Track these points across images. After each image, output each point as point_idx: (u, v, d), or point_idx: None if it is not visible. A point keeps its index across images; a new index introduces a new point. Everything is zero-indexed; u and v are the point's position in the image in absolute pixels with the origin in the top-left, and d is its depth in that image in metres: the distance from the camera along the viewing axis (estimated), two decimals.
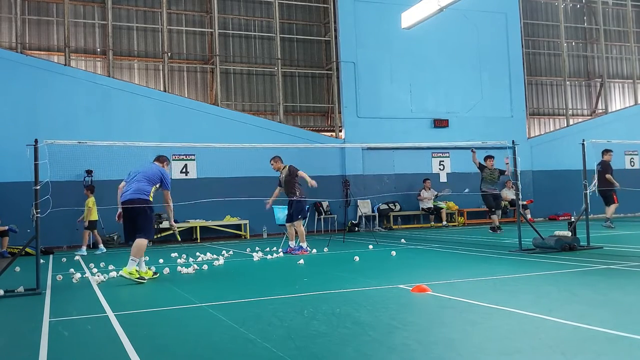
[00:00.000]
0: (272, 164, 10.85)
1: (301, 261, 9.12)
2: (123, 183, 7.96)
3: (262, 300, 5.84)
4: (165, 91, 15.75)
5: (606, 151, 14.01)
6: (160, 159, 8.26)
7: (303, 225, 10.79)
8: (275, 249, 11.17)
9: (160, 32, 16.36)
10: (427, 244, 11.78)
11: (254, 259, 9.79)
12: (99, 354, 4.10)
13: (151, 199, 7.75)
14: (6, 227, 11.93)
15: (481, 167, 13.87)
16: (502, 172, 13.87)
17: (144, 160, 8.62)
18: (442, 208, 17.35)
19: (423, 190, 17.20)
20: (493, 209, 13.77)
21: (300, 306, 5.36)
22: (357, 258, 9.19)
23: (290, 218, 10.71)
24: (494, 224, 13.69)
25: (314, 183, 10.35)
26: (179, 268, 8.62)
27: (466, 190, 16.38)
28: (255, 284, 7.29)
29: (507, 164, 12.47)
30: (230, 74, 17.35)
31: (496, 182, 14.00)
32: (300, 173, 10.51)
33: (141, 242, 7.46)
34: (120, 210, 7.72)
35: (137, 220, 7.57)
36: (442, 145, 17.15)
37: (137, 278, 7.32)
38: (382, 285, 6.49)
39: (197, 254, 10.36)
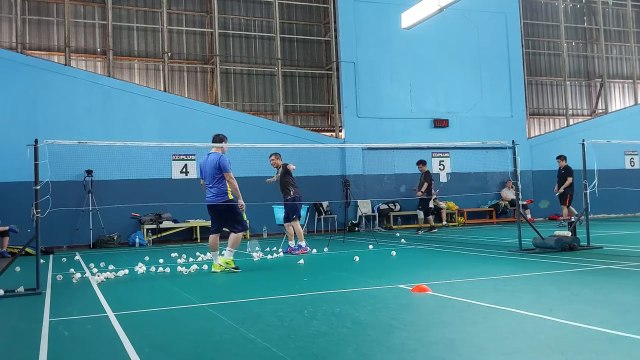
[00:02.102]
0: (271, 159, 10.86)
1: (301, 261, 9.12)
2: (202, 180, 8.42)
3: (262, 300, 5.84)
4: (165, 91, 15.75)
5: (562, 157, 15.25)
6: (216, 139, 8.46)
7: (302, 226, 10.79)
8: (275, 248, 11.16)
9: (160, 32, 16.36)
10: (427, 244, 11.78)
11: (254, 259, 9.79)
12: (99, 354, 4.10)
13: (231, 197, 8.23)
14: (7, 227, 11.93)
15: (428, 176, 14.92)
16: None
17: (204, 155, 8.59)
18: (442, 208, 17.34)
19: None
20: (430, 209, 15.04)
21: (300, 306, 5.36)
22: (357, 258, 9.20)
23: (287, 218, 10.72)
24: (431, 224, 15.00)
25: (292, 167, 10.63)
26: (179, 268, 8.62)
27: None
28: (255, 283, 7.29)
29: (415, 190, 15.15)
30: (230, 74, 17.35)
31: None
32: (289, 166, 10.64)
33: (237, 236, 8.19)
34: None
35: (225, 219, 8.25)
36: (442, 145, 17.15)
37: (233, 268, 8.02)
38: (382, 285, 6.49)
39: (197, 254, 10.36)
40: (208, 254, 10.27)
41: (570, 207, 15.15)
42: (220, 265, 8.11)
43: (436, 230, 15.19)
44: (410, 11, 12.13)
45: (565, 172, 15.09)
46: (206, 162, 8.33)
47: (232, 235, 8.18)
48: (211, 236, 8.42)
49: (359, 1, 17.45)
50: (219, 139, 8.46)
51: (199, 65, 17.08)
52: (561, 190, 15.01)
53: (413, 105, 17.88)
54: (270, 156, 10.89)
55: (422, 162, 15.10)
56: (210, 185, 8.22)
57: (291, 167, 10.65)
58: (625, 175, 18.81)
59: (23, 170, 9.98)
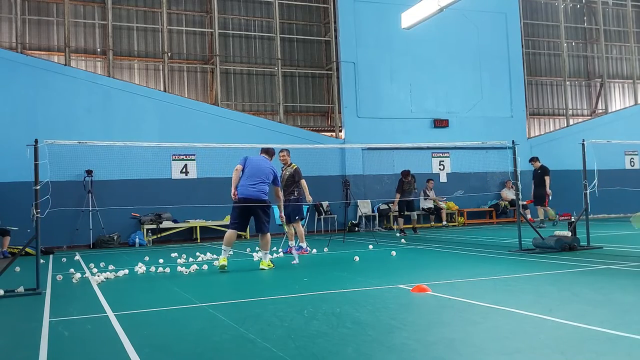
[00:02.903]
0: (281, 155, 10.63)
1: (295, 261, 9.07)
2: (240, 167, 8.53)
3: (262, 300, 5.84)
4: (165, 91, 15.75)
5: (535, 159, 15.56)
6: (270, 152, 8.97)
7: (303, 226, 10.77)
8: (275, 248, 11.16)
9: (160, 32, 16.36)
10: (427, 244, 11.78)
11: (254, 259, 9.79)
12: (99, 354, 4.11)
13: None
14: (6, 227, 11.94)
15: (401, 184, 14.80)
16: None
17: (252, 154, 8.94)
18: (442, 208, 17.35)
19: (426, 189, 17.19)
20: (402, 213, 14.88)
21: (300, 306, 5.36)
22: (357, 258, 9.20)
23: (288, 219, 10.66)
24: (401, 227, 14.78)
25: (310, 198, 10.55)
26: (179, 268, 8.62)
27: (460, 192, 16.59)
28: (255, 284, 7.29)
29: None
30: (230, 74, 17.35)
31: (413, 190, 15.07)
32: (303, 182, 10.44)
33: (269, 237, 8.66)
34: (235, 191, 8.43)
35: (261, 216, 8.51)
36: (442, 145, 17.15)
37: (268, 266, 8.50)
38: (382, 285, 6.49)
39: (197, 254, 10.35)
40: (208, 253, 10.28)
41: (548, 207, 15.42)
42: (268, 265, 8.58)
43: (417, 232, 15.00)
44: (410, 11, 12.13)
45: (542, 172, 15.30)
46: (259, 161, 8.66)
47: (265, 237, 8.61)
48: (232, 231, 8.54)
49: (359, 1, 17.45)
50: (271, 153, 9.04)
51: (199, 65, 17.08)
52: (549, 191, 15.19)
53: (413, 105, 17.88)
54: (281, 152, 10.66)
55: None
56: (260, 182, 8.47)
57: (304, 183, 10.44)
58: (625, 175, 18.80)
59: (23, 170, 9.97)
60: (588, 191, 9.74)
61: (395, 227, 15.72)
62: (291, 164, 10.66)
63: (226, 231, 8.68)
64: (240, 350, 3.98)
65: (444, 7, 10.89)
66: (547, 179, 15.12)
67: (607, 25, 21.94)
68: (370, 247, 11.13)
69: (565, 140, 18.82)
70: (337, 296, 5.94)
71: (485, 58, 18.65)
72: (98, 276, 7.82)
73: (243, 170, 8.51)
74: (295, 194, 10.52)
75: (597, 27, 21.42)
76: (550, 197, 15.25)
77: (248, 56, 17.61)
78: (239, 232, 8.78)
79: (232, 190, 8.45)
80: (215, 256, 9.99)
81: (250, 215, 8.51)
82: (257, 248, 11.28)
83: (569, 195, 17.53)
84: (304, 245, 10.58)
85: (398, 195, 14.64)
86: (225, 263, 8.18)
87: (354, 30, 17.37)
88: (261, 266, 8.47)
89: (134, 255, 11.18)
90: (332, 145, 16.20)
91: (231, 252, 8.66)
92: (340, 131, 17.52)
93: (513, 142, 9.94)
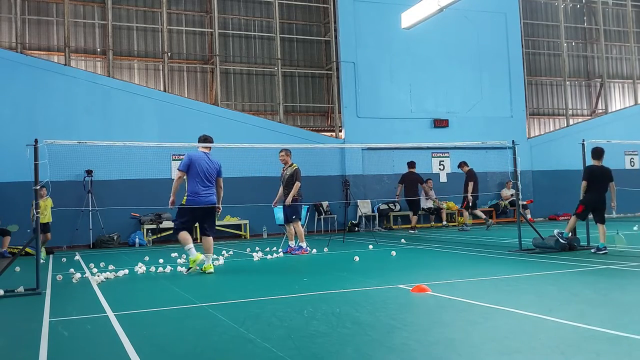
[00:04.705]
0: (281, 155, 10.63)
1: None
2: (182, 173, 8.20)
3: (262, 300, 5.84)
4: (165, 91, 15.75)
5: (464, 163, 15.81)
6: (209, 140, 8.49)
7: (302, 226, 10.77)
8: (275, 248, 11.16)
9: (160, 32, 16.36)
10: (427, 244, 11.78)
11: (254, 259, 9.79)
12: (99, 354, 4.11)
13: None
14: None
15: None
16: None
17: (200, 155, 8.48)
18: (442, 208, 17.35)
19: (427, 189, 17.19)
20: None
21: (300, 306, 5.36)
22: (357, 258, 9.20)
23: (286, 219, 10.67)
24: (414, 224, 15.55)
25: (289, 200, 10.31)
26: (179, 268, 8.62)
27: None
28: (255, 284, 7.29)
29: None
30: (230, 74, 17.35)
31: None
32: (297, 184, 10.38)
33: (211, 240, 8.37)
34: (173, 198, 8.18)
35: (211, 220, 8.36)
36: (442, 145, 17.15)
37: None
38: (382, 285, 6.49)
39: (197, 253, 10.32)
40: (200, 254, 10.24)
41: (475, 211, 15.80)
42: (190, 265, 8.14)
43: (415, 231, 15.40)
44: (410, 11, 12.14)
45: (466, 177, 15.54)
46: (207, 161, 8.29)
47: (210, 240, 8.29)
48: (184, 232, 8.23)
49: (359, 1, 17.45)
50: (209, 140, 8.50)
51: (199, 65, 17.08)
52: (469, 197, 15.35)
53: (413, 105, 17.88)
54: (281, 152, 10.66)
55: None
56: (210, 185, 8.24)
57: (297, 183, 10.36)
58: (625, 175, 18.77)
59: (23, 170, 9.97)
60: None
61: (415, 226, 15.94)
62: (292, 164, 10.64)
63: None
64: (240, 350, 3.98)
65: (444, 7, 10.89)
66: (470, 184, 15.28)
67: (607, 25, 21.94)
68: (370, 247, 11.13)
69: (565, 140, 18.83)
70: (336, 296, 5.94)
71: (485, 58, 18.65)
72: (98, 276, 7.82)
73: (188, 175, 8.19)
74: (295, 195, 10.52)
75: (597, 27, 21.42)
76: (470, 203, 15.41)
77: (248, 56, 17.61)
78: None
79: (171, 198, 8.13)
80: (215, 256, 9.99)
81: (205, 219, 8.31)
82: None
83: (568, 195, 17.51)
84: (303, 245, 10.58)
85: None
86: (200, 257, 8.01)
87: (353, 30, 17.37)
88: (209, 270, 8.05)
89: (134, 255, 11.18)
90: (332, 145, 16.20)
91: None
92: (340, 131, 17.52)
93: (513, 142, 9.94)
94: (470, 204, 15.44)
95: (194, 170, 8.19)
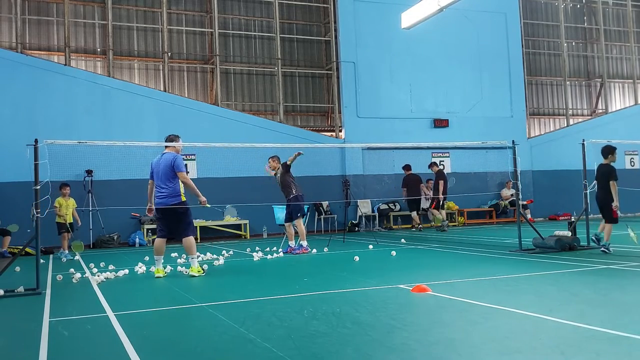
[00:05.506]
0: (269, 162, 10.78)
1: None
2: (151, 181, 8.10)
3: (262, 300, 5.84)
4: (165, 91, 15.75)
5: (434, 164, 16.19)
6: (170, 138, 8.14)
7: (303, 224, 10.77)
8: (275, 248, 11.16)
9: (160, 32, 16.36)
10: (427, 244, 11.78)
11: (254, 259, 9.79)
12: (99, 354, 4.11)
13: (184, 198, 8.02)
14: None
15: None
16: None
17: (151, 154, 8.48)
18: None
19: (425, 189, 17.20)
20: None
21: (300, 306, 5.36)
22: (357, 258, 9.19)
23: (290, 217, 10.68)
24: (416, 222, 16.07)
25: (297, 155, 10.43)
26: (179, 268, 8.62)
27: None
28: (255, 284, 7.29)
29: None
30: (230, 74, 17.35)
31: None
32: (289, 160, 10.53)
33: (190, 241, 7.91)
34: (150, 206, 8.08)
35: (177, 222, 7.92)
36: (442, 145, 17.15)
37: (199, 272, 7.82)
38: (382, 285, 6.49)
39: (197, 254, 10.33)
40: (208, 253, 10.27)
41: (435, 211, 15.91)
42: (165, 271, 7.96)
43: (420, 229, 15.90)
44: (410, 11, 12.13)
45: (437, 177, 15.73)
46: (159, 161, 7.98)
47: (186, 242, 7.90)
48: (158, 240, 8.01)
49: (359, 1, 17.44)
50: (170, 139, 8.16)
51: (199, 65, 17.08)
52: (440, 196, 15.52)
53: (413, 105, 17.88)
54: (269, 159, 10.85)
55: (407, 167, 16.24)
56: (163, 186, 7.88)
57: (290, 159, 10.51)
58: (625, 175, 18.70)
59: (23, 170, 9.96)
60: (588, 191, 9.76)
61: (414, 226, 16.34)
62: (279, 167, 10.69)
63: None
64: (240, 350, 3.98)
65: (444, 7, 10.89)
66: (441, 182, 15.49)
67: (607, 25, 21.93)
68: (370, 247, 11.13)
69: (565, 140, 18.83)
70: (336, 296, 5.94)
71: (485, 58, 18.65)
72: (98, 276, 7.82)
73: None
74: (294, 192, 10.53)
75: (597, 27, 21.42)
76: (440, 202, 15.63)
77: (248, 56, 17.61)
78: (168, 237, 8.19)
79: (148, 205, 8.04)
80: (215, 256, 10.00)
81: (170, 223, 7.98)
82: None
83: (568, 195, 17.56)
84: (304, 243, 10.57)
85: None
86: (161, 275, 7.78)
87: (353, 30, 17.36)
88: (190, 273, 7.77)
89: (134, 255, 11.18)
90: (332, 145, 16.19)
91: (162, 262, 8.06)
92: (340, 131, 17.52)
93: (513, 142, 9.94)
94: (441, 203, 15.72)
95: (152, 174, 8.07)
